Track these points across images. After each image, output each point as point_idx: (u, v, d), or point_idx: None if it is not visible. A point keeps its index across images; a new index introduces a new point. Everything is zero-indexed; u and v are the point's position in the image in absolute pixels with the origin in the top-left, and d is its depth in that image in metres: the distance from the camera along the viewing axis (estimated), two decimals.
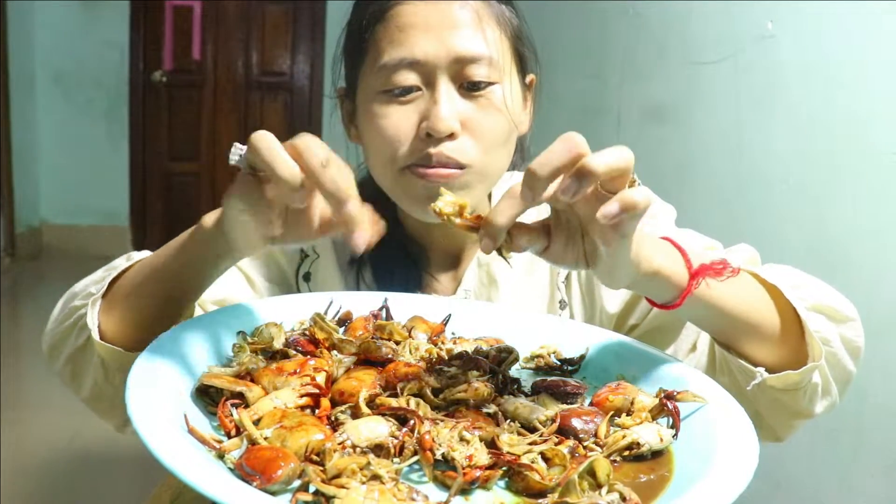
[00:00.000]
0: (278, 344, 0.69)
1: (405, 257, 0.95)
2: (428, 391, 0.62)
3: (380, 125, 0.84)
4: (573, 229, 0.60)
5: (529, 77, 0.93)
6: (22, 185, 4.54)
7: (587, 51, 2.75)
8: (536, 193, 0.55)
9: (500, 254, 0.61)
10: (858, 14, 1.45)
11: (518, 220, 0.58)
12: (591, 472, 0.52)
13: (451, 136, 0.82)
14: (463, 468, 0.51)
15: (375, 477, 0.49)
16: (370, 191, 0.93)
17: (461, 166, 0.83)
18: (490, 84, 0.84)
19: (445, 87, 0.82)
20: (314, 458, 0.52)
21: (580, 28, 2.80)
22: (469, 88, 0.83)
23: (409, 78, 0.82)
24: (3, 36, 4.28)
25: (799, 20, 1.62)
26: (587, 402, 0.68)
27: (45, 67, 4.73)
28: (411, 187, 0.85)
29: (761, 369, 0.73)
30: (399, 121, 0.83)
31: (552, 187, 0.55)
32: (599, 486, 0.52)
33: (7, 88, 4.32)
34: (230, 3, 5.04)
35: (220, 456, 0.52)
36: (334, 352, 0.69)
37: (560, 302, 0.95)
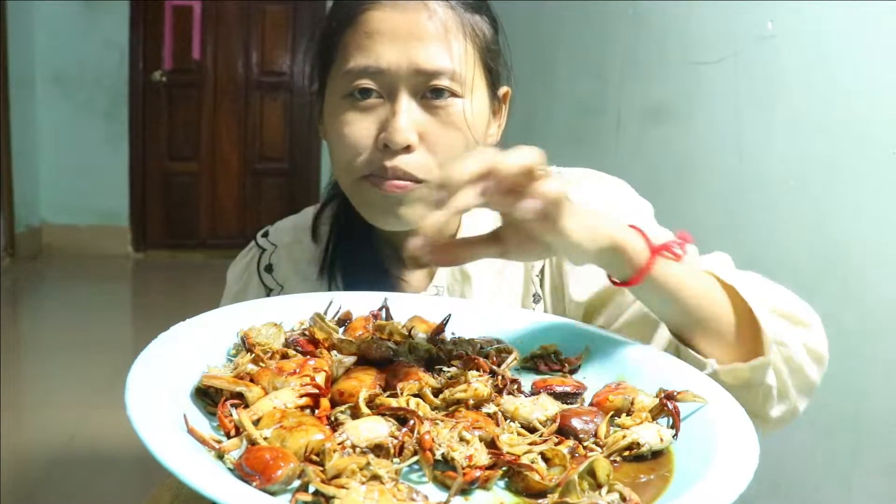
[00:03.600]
0: (278, 344, 0.69)
1: (374, 254, 0.97)
2: (428, 391, 0.62)
3: (341, 132, 0.85)
4: (523, 228, 0.63)
5: (503, 90, 0.93)
6: (22, 185, 4.54)
7: (587, 51, 2.75)
8: (451, 194, 0.57)
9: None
10: (858, 14, 1.45)
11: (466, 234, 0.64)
12: (591, 473, 0.52)
13: (408, 149, 0.83)
14: (463, 468, 0.51)
15: (375, 477, 0.49)
16: (341, 189, 0.95)
17: (417, 181, 0.84)
18: (451, 97, 0.83)
19: (405, 99, 0.83)
20: (314, 458, 0.51)
21: (580, 28, 2.80)
22: (429, 101, 0.83)
23: (370, 86, 0.83)
24: (3, 36, 4.29)
25: (799, 20, 1.62)
26: (587, 402, 0.68)
27: (45, 67, 4.74)
28: (368, 196, 0.86)
29: (712, 360, 0.74)
30: (359, 130, 0.84)
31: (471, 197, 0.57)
32: (599, 487, 0.52)
33: (7, 88, 4.32)
34: (230, 3, 5.04)
35: (220, 456, 0.52)
36: (334, 352, 0.69)
37: (534, 296, 0.95)
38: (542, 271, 0.95)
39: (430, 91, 0.83)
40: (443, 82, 0.82)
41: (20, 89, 4.47)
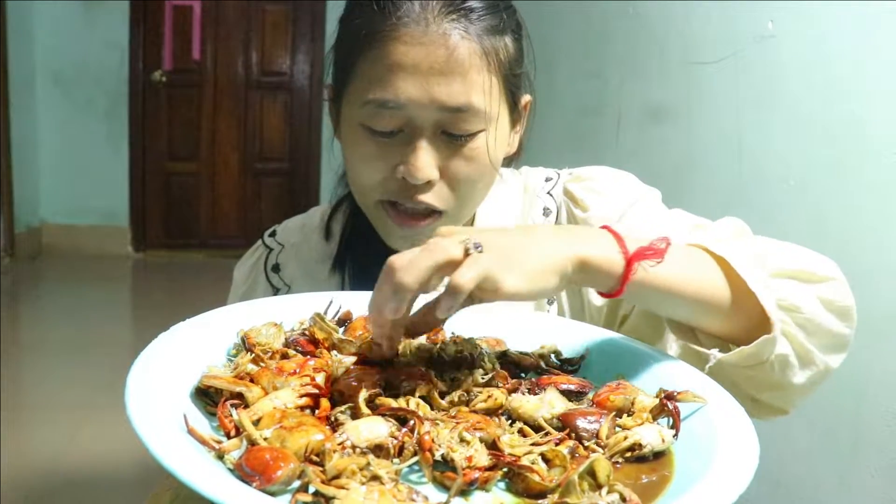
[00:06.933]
0: (278, 344, 0.69)
1: (388, 254, 0.96)
2: (436, 394, 0.62)
3: (359, 156, 0.85)
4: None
5: (525, 99, 0.90)
6: (22, 184, 4.54)
7: (587, 50, 2.75)
8: (385, 332, 0.63)
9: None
10: (858, 14, 1.45)
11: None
12: (591, 473, 0.52)
13: (428, 184, 0.83)
14: (462, 469, 0.51)
15: (375, 477, 0.49)
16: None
17: (437, 211, 0.85)
18: (473, 133, 0.82)
19: (426, 135, 0.81)
20: (314, 458, 0.51)
21: (580, 28, 2.80)
22: (451, 136, 0.82)
23: (391, 121, 0.81)
24: (3, 36, 4.29)
25: (799, 20, 1.62)
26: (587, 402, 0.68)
27: (45, 67, 4.74)
28: (385, 223, 0.87)
29: (713, 351, 0.71)
30: (376, 159, 0.83)
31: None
32: (599, 487, 0.52)
33: (7, 88, 4.33)
34: (230, 3, 5.04)
35: (220, 456, 0.52)
36: (334, 352, 0.69)
37: (547, 299, 0.94)
38: None
39: (450, 128, 0.81)
40: (464, 119, 0.81)
41: (20, 89, 4.47)
